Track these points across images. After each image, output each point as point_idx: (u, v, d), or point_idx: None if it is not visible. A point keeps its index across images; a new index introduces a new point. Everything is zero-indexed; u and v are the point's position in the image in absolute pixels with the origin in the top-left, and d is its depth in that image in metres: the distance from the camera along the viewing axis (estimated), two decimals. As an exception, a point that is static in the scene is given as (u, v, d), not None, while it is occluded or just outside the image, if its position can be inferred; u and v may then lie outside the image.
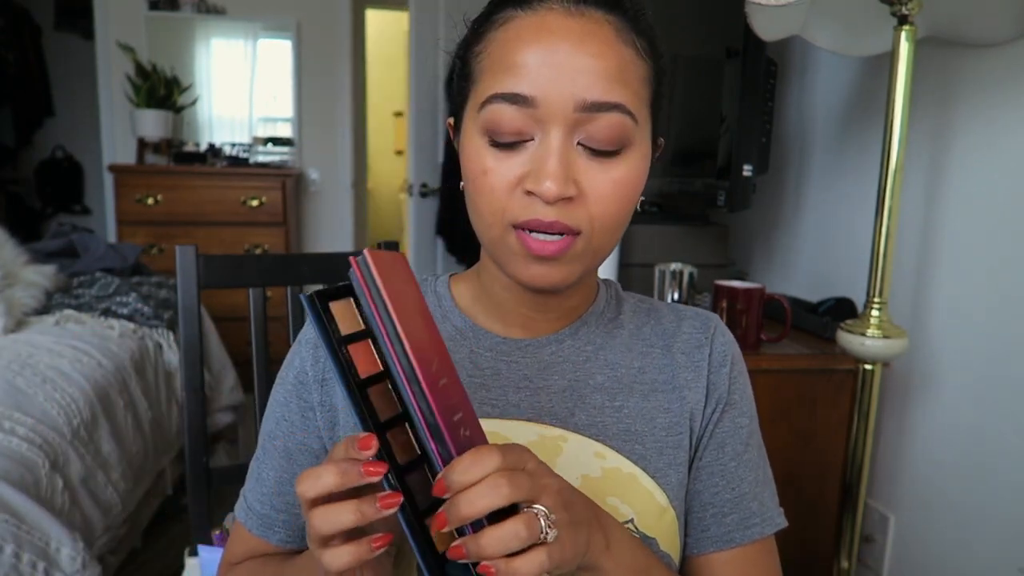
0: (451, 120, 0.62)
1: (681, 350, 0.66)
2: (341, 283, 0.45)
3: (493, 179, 0.54)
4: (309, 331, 0.66)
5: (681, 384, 0.65)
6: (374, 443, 0.41)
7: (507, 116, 0.53)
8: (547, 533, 0.42)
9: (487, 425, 0.60)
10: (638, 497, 0.60)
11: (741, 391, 0.67)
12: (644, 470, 0.61)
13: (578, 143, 0.53)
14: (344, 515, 0.41)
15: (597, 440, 0.61)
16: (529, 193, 0.53)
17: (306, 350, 0.65)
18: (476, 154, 0.55)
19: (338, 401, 0.63)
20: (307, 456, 0.65)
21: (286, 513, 0.65)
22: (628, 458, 0.61)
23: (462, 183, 0.60)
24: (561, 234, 0.54)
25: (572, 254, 0.55)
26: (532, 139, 0.53)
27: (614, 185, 0.54)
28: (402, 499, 0.41)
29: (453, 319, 0.66)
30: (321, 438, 0.64)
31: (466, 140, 0.56)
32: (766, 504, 0.66)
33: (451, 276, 0.69)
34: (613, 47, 0.53)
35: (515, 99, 0.52)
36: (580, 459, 0.60)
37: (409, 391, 0.42)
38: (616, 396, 0.63)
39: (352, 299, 0.45)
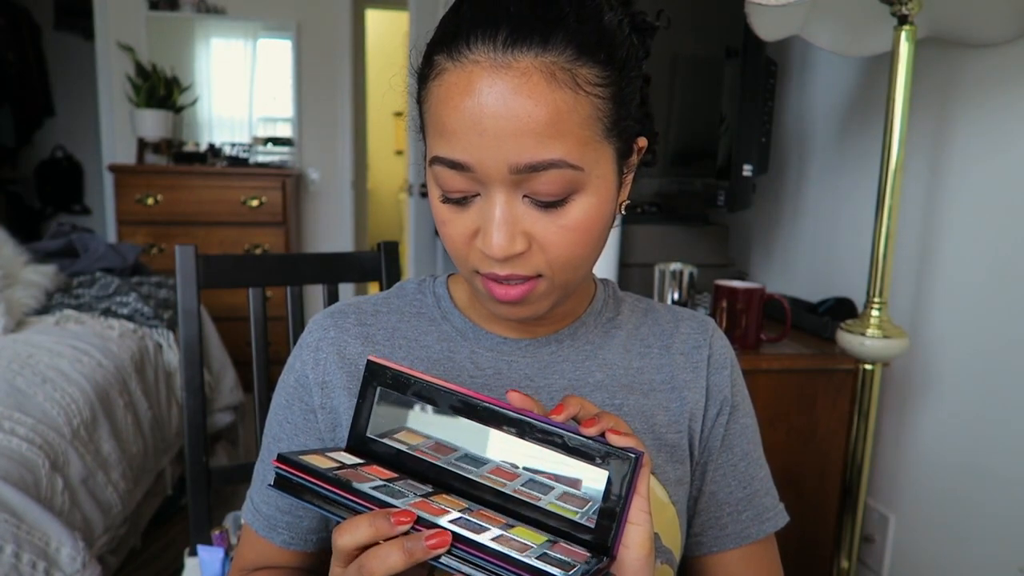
0: None
1: (680, 350, 0.68)
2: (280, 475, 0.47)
3: (451, 231, 0.55)
4: (309, 335, 0.67)
5: (680, 384, 0.66)
6: (408, 516, 0.42)
7: (449, 178, 0.53)
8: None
9: None
10: None
11: (742, 393, 0.70)
12: None
13: (524, 196, 0.52)
14: (392, 556, 0.40)
15: None
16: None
17: (307, 354, 0.66)
18: (435, 204, 0.56)
19: (339, 404, 0.63)
20: None
21: (290, 515, 0.66)
22: None
23: None
24: (519, 280, 0.54)
25: (536, 294, 0.56)
26: (479, 194, 0.53)
27: (565, 232, 0.53)
28: (451, 538, 0.41)
29: (453, 320, 0.67)
30: (322, 440, 0.65)
31: (428, 183, 0.57)
32: (775, 498, 0.70)
33: (449, 276, 0.70)
34: (544, 99, 0.49)
35: (454, 165, 0.51)
36: None
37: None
38: (616, 395, 0.64)
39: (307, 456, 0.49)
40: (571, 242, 0.54)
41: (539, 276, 0.55)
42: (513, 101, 0.49)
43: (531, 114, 0.49)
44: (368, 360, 0.51)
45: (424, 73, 0.54)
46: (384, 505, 0.43)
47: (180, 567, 1.07)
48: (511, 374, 0.64)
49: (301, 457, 0.47)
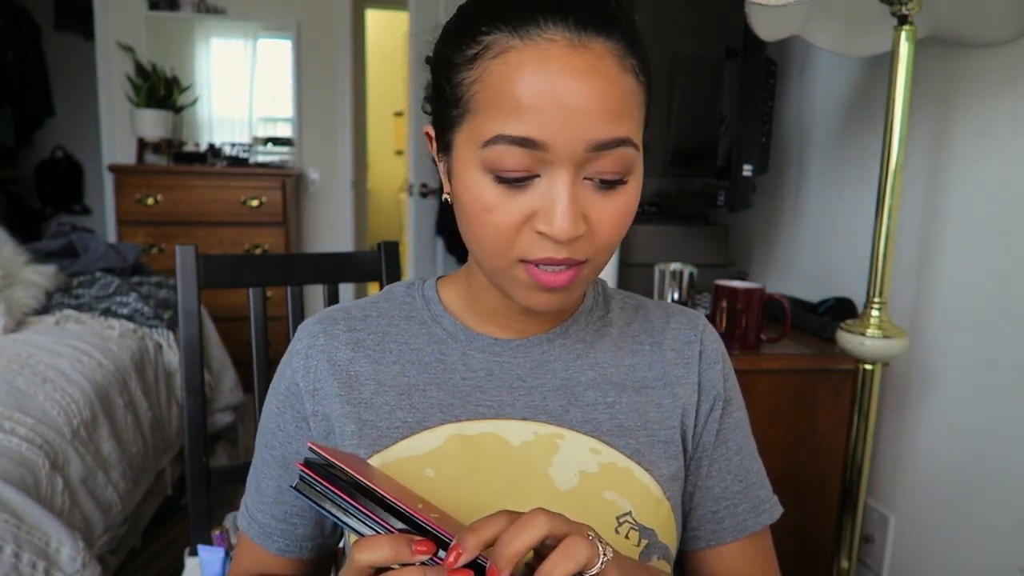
0: (430, 131, 0.61)
1: (671, 346, 0.68)
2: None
3: (499, 217, 0.53)
4: (299, 343, 0.66)
5: (672, 380, 0.66)
6: (429, 546, 0.43)
7: (515, 157, 0.51)
8: (603, 556, 0.46)
9: (484, 426, 0.61)
10: (634, 490, 0.61)
11: (733, 387, 0.70)
12: (639, 464, 0.62)
13: (584, 178, 0.53)
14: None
15: (592, 436, 0.62)
16: (539, 232, 0.53)
17: (297, 361, 0.65)
18: (478, 189, 0.53)
19: (331, 411, 0.63)
20: None
21: (285, 523, 0.66)
22: (623, 453, 0.62)
23: (446, 195, 0.60)
24: (569, 265, 0.54)
25: (580, 280, 0.56)
26: (538, 176, 0.52)
27: (617, 214, 0.54)
28: None
29: (443, 322, 0.66)
30: None
31: (463, 170, 0.54)
32: (769, 491, 0.70)
33: (438, 279, 0.70)
34: (616, 81, 0.51)
35: (524, 142, 0.50)
36: (577, 456, 0.61)
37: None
38: (608, 393, 0.64)
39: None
40: (619, 225, 0.55)
41: (586, 261, 0.55)
42: (594, 79, 0.50)
43: (609, 92, 0.50)
44: (309, 446, 0.49)
45: (471, 49, 0.52)
46: (407, 530, 0.44)
47: (180, 567, 1.07)
48: (503, 375, 0.64)
49: (330, 461, 0.46)
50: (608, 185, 0.53)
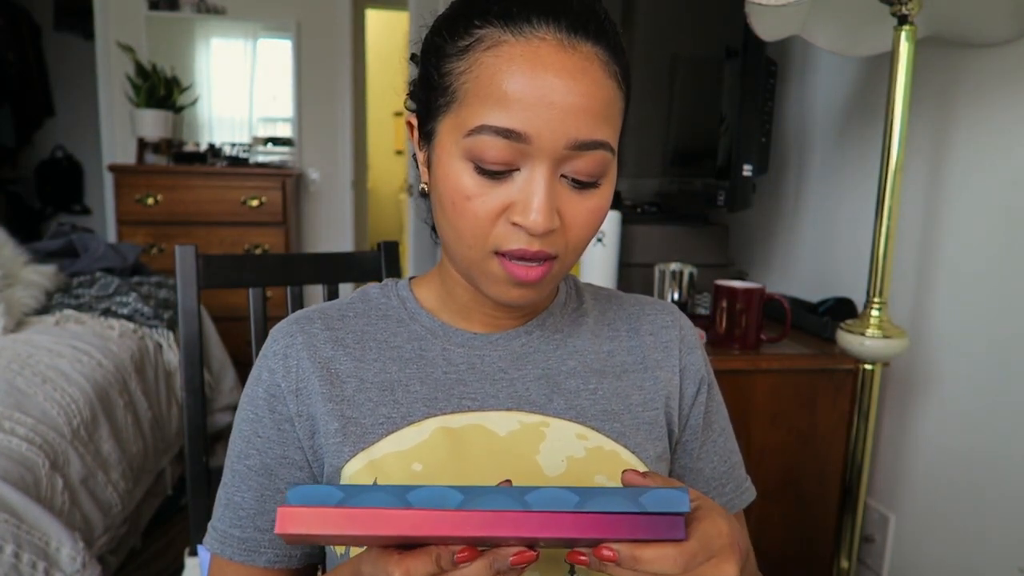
0: (412, 122, 0.62)
1: (648, 331, 0.70)
2: None
3: (477, 206, 0.54)
4: (274, 344, 0.65)
5: (652, 364, 0.68)
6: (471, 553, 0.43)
7: (496, 147, 0.52)
8: None
9: (469, 419, 0.61)
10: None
11: (711, 371, 0.73)
12: (625, 446, 0.63)
13: (561, 175, 0.54)
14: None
15: (577, 422, 0.63)
16: (515, 224, 0.54)
17: (275, 362, 0.63)
18: (458, 178, 0.54)
19: (316, 410, 0.62)
20: (290, 469, 0.63)
21: (272, 531, 0.63)
22: (608, 436, 0.63)
23: (424, 185, 0.61)
24: (541, 260, 0.55)
25: (550, 276, 0.57)
26: (518, 169, 0.53)
27: (590, 214, 0.56)
28: (536, 555, 0.42)
29: (421, 320, 0.66)
30: (302, 448, 0.63)
31: (445, 158, 0.55)
32: (745, 471, 0.74)
33: (411, 279, 0.70)
34: (601, 84, 0.53)
35: (508, 134, 0.51)
36: (563, 442, 0.62)
37: None
38: (589, 380, 0.65)
39: None
40: (590, 224, 0.57)
41: (555, 257, 0.56)
42: (581, 79, 0.52)
43: (594, 94, 0.52)
44: None
45: (463, 41, 0.54)
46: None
47: (180, 567, 1.07)
48: (484, 368, 0.64)
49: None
50: (582, 186, 0.55)
